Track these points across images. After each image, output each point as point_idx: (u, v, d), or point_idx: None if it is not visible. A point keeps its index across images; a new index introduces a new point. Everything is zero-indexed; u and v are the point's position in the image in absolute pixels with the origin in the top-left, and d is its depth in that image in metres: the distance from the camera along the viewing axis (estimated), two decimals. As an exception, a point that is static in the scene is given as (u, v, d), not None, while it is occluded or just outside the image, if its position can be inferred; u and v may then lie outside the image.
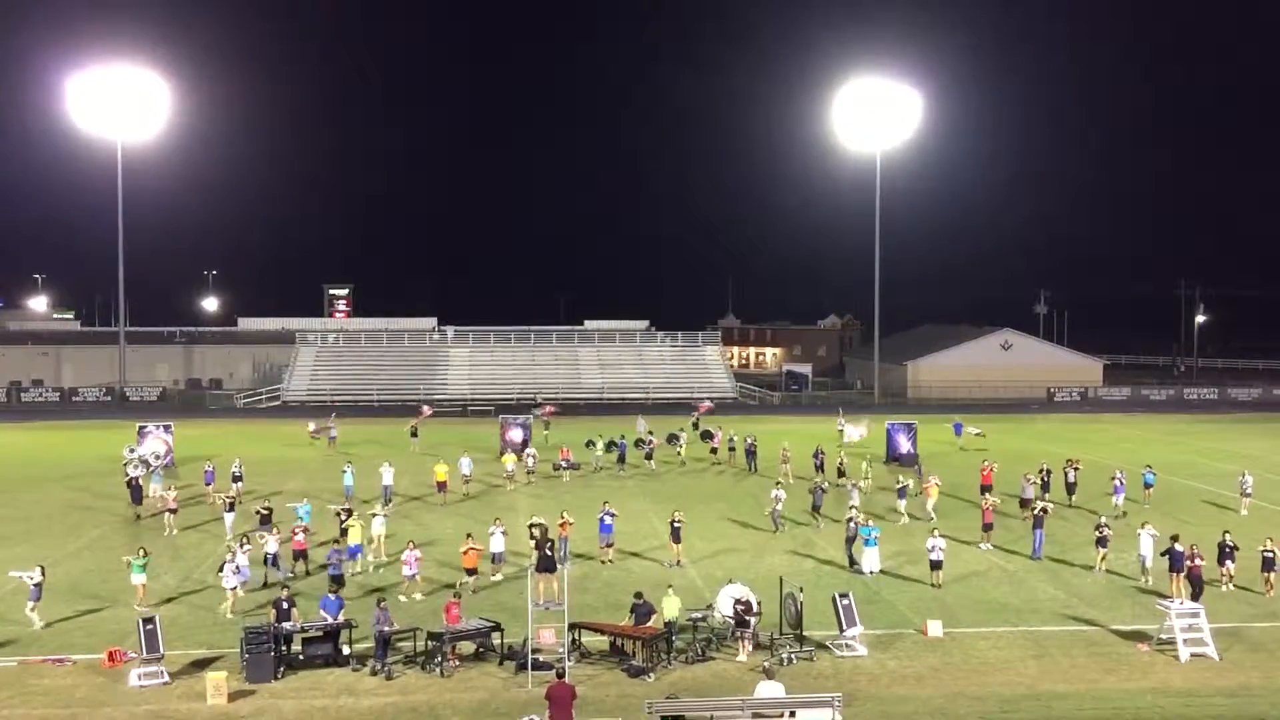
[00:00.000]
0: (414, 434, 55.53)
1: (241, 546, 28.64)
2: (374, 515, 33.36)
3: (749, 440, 49.88)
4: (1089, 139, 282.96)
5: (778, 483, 38.91)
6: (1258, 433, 65.36)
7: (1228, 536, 29.21)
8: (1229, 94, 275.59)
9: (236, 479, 41.97)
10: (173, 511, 36.41)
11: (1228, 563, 28.70)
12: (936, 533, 30.38)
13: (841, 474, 44.01)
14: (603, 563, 31.60)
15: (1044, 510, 33.22)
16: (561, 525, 31.29)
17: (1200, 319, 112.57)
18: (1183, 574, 27.54)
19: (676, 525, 31.79)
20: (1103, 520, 31.82)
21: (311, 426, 58.16)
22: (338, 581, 27.79)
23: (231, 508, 35.43)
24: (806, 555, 32.66)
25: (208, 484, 41.68)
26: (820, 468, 44.77)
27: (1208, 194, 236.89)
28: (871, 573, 30.30)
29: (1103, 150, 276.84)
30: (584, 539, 32.87)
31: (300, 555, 30.49)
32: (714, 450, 52.65)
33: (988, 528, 34.12)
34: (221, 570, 27.16)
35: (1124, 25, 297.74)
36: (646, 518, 37.87)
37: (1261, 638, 25.20)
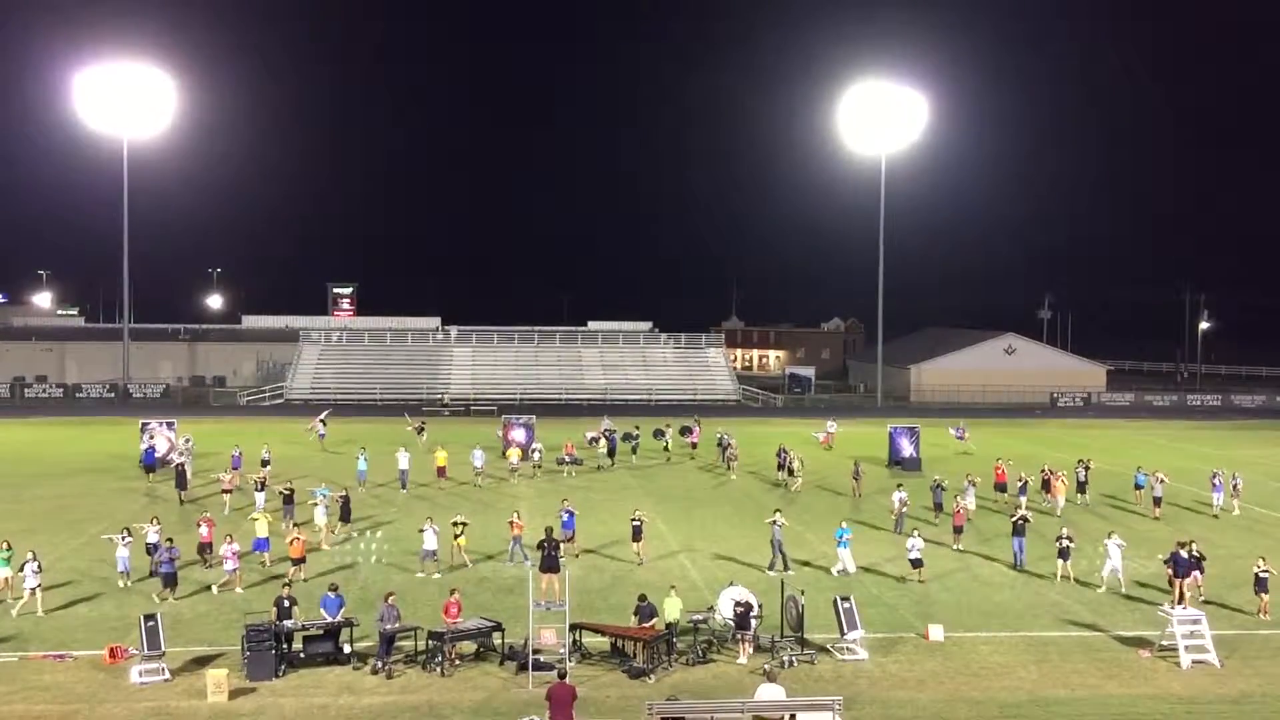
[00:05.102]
0: (420, 431, 55.61)
1: (123, 538, 28.65)
2: (314, 505, 33.52)
3: (725, 436, 51.07)
4: (1095, 144, 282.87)
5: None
6: (1260, 440, 65.25)
7: (1195, 547, 28.54)
8: (1234, 95, 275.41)
9: (265, 463, 43.55)
10: (228, 492, 38.78)
11: (1195, 573, 28.02)
12: (916, 532, 30.64)
13: (791, 472, 44.96)
14: (570, 556, 31.70)
15: (1024, 519, 32.53)
16: (511, 525, 31.23)
17: (1204, 325, 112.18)
18: (1186, 580, 27.48)
19: (636, 524, 31.86)
20: (1064, 532, 31.03)
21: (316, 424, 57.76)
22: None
23: (261, 488, 37.05)
24: (804, 560, 32.57)
25: (235, 468, 43.04)
26: (782, 466, 46.19)
27: (1214, 199, 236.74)
28: (844, 572, 30.35)
29: (1109, 154, 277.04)
30: (590, 537, 33.00)
31: (205, 548, 30.43)
32: (694, 445, 54.61)
33: (958, 530, 34.24)
34: (22, 570, 26.26)
35: (1127, 26, 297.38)
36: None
37: (1263, 645, 25.16)
